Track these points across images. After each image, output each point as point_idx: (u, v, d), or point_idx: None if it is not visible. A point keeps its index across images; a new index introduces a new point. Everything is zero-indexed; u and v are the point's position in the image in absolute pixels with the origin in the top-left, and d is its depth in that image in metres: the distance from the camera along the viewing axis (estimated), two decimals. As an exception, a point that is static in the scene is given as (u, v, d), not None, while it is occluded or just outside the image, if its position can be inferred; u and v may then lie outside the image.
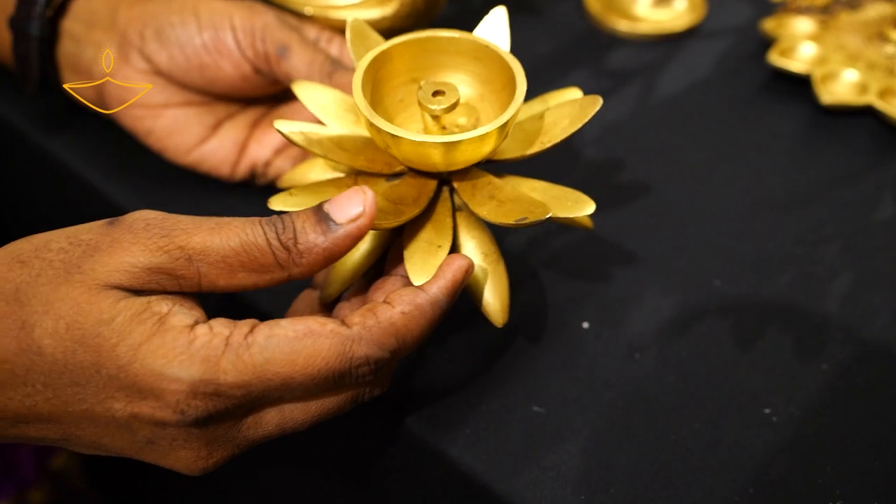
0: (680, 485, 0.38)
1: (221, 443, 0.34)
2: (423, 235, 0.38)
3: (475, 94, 0.41)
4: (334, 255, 0.34)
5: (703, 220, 0.51)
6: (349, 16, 0.52)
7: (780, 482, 0.39)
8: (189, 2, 0.47)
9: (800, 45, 0.60)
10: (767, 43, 0.62)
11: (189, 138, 0.49)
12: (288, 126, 0.39)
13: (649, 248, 0.49)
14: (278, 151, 0.50)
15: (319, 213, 0.34)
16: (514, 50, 0.64)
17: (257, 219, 0.34)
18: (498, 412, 0.41)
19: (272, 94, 0.51)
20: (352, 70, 0.43)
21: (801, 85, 0.59)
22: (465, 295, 0.39)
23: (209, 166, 0.50)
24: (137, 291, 0.33)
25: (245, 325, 0.33)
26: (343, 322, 0.33)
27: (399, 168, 0.40)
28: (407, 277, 0.37)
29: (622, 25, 0.65)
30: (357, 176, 0.40)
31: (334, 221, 0.33)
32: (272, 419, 0.34)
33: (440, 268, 0.36)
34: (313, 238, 0.33)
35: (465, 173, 0.40)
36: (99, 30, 0.48)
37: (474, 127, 0.40)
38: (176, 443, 0.33)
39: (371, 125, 0.37)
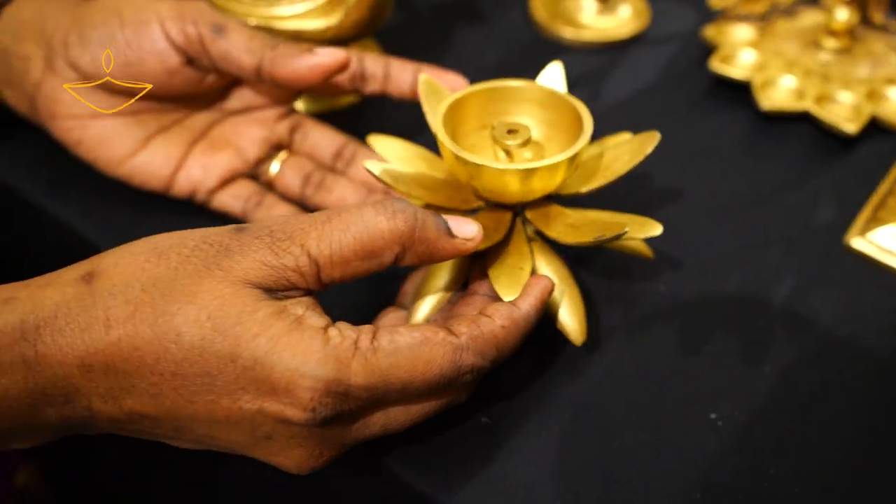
0: (628, 492, 0.39)
1: (333, 443, 0.35)
2: (505, 260, 0.42)
3: (541, 136, 0.45)
4: (444, 256, 0.37)
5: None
6: (294, 26, 0.52)
7: (726, 487, 0.39)
8: (113, 1, 0.47)
9: (740, 52, 0.61)
10: (710, 49, 0.63)
11: (119, 150, 0.48)
12: (375, 166, 0.42)
13: (594, 253, 0.49)
14: (224, 183, 0.49)
15: (439, 219, 0.37)
16: (462, 58, 0.64)
17: (369, 204, 0.36)
18: (445, 423, 0.41)
19: (204, 96, 0.50)
20: (297, 46, 0.47)
21: (742, 91, 0.60)
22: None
23: (141, 180, 0.49)
24: (270, 290, 0.34)
25: (368, 330, 0.35)
26: (451, 331, 0.36)
27: (475, 204, 0.44)
28: (491, 296, 0.41)
29: (568, 33, 0.65)
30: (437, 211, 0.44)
31: (451, 232, 0.37)
32: (378, 420, 0.36)
33: (527, 287, 0.39)
34: (433, 232, 0.36)
35: (537, 205, 0.44)
36: (27, 42, 0.47)
37: None
38: (294, 440, 0.34)
39: (457, 158, 0.40)
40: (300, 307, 0.34)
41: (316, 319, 0.34)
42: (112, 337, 0.32)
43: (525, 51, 0.65)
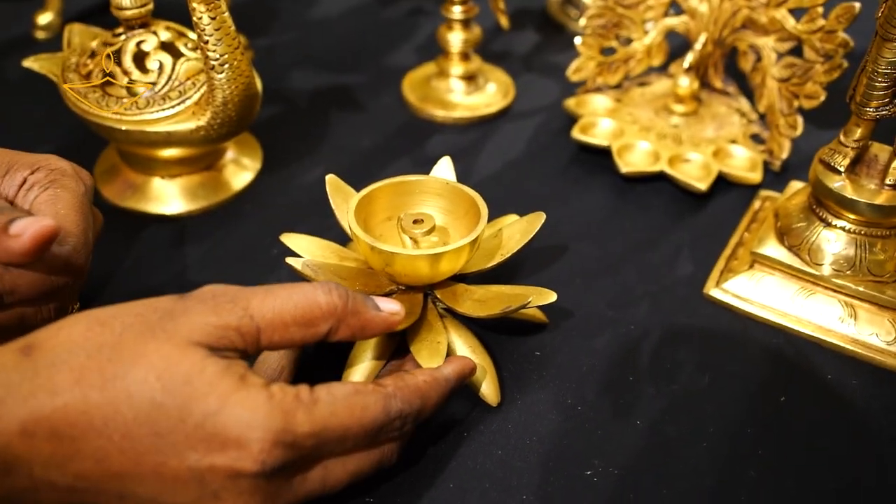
0: (512, 555, 0.40)
1: (277, 496, 0.36)
2: (423, 335, 0.46)
3: (442, 222, 0.50)
4: (373, 329, 0.40)
5: (523, 293, 0.54)
6: (165, 128, 0.54)
7: (604, 539, 0.41)
8: None
9: (599, 121, 0.65)
10: (573, 119, 0.67)
11: None
12: (296, 262, 0.47)
13: (469, 323, 0.51)
14: None
15: (368, 298, 0.40)
16: (339, 144, 0.66)
17: (308, 283, 0.39)
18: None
19: None
20: (38, 218, 0.40)
21: (604, 156, 0.64)
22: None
23: None
24: (214, 349, 0.35)
25: (305, 385, 0.37)
26: (379, 384, 0.39)
27: (389, 288, 0.48)
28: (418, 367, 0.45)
29: (439, 113, 0.69)
30: None
31: (379, 308, 0.41)
32: (318, 474, 0.38)
33: (450, 359, 0.44)
34: (363, 307, 0.40)
35: (444, 285, 0.49)
36: None
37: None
38: (242, 497, 0.35)
39: (371, 249, 0.45)
40: (241, 366, 0.36)
41: (257, 378, 0.36)
42: (58, 402, 0.33)
43: (400, 133, 0.68)
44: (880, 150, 0.50)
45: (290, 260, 0.47)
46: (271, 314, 0.37)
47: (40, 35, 0.79)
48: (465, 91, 0.70)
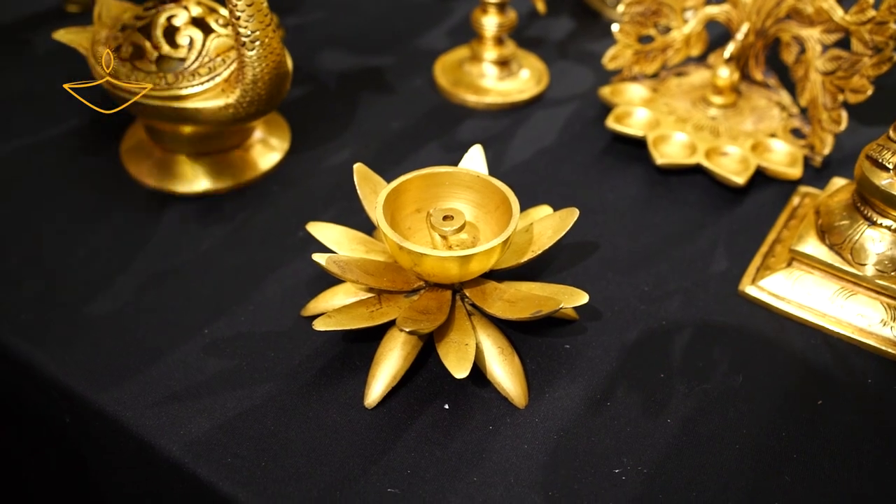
0: (537, 553, 0.39)
1: None
2: (451, 336, 0.45)
3: (472, 217, 0.49)
4: None
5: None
6: (194, 105, 0.53)
7: (632, 540, 0.40)
8: None
9: (634, 111, 0.64)
10: (608, 108, 0.65)
11: None
12: (321, 257, 0.45)
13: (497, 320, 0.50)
14: None
15: None
16: (368, 127, 0.65)
17: None
18: (354, 495, 0.41)
19: None
20: None
21: (638, 146, 0.63)
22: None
23: None
24: None
25: None
26: None
27: (416, 284, 0.47)
28: None
29: (471, 98, 0.67)
30: (381, 294, 0.47)
31: None
32: None
33: None
34: None
35: (474, 283, 0.47)
36: None
37: (474, 243, 0.48)
38: None
39: (400, 248, 0.43)
40: None
41: None
42: None
43: (430, 117, 0.67)
44: (930, 148, 0.48)
45: (316, 256, 0.45)
46: None
47: (72, 9, 0.79)
48: (497, 76, 0.68)
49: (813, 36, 0.60)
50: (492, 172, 0.61)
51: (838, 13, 0.58)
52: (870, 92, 0.57)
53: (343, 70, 0.72)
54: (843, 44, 0.59)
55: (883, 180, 0.47)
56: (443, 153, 0.63)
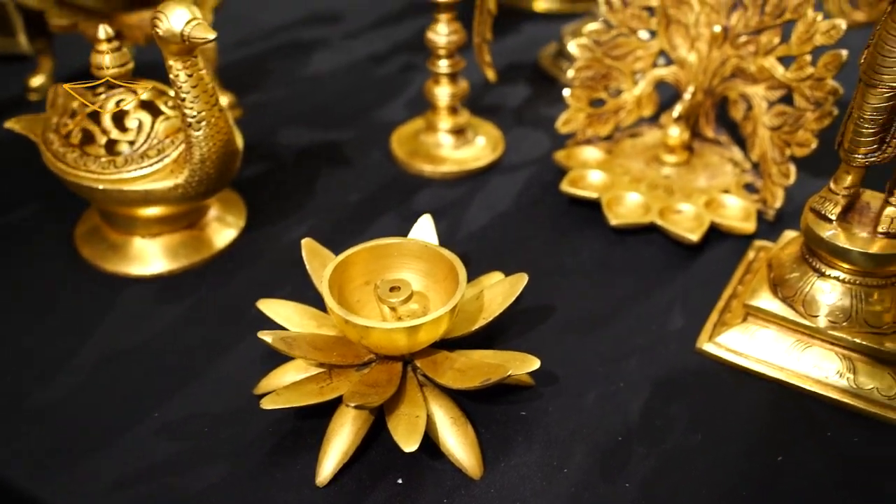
0: None
1: None
2: (401, 409, 0.44)
3: (421, 286, 0.49)
4: None
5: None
6: (142, 187, 0.53)
7: None
8: None
9: (589, 173, 0.64)
10: (564, 172, 0.66)
11: None
12: (268, 335, 0.45)
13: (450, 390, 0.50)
14: None
15: None
16: (326, 201, 0.66)
17: None
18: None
19: None
20: None
21: (594, 208, 0.63)
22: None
23: None
24: None
25: None
26: None
27: (367, 357, 0.47)
28: None
29: (427, 168, 0.68)
30: (332, 369, 0.46)
31: None
32: None
33: None
34: None
35: (425, 353, 0.47)
36: None
37: (424, 313, 0.47)
38: None
39: (346, 322, 0.43)
40: None
41: None
42: None
43: (387, 189, 0.67)
44: (872, 198, 0.49)
45: (262, 334, 0.45)
46: None
47: (33, 97, 0.80)
48: (453, 145, 0.69)
49: (758, 93, 0.61)
50: (448, 240, 0.61)
51: (779, 71, 0.59)
52: (814, 145, 0.58)
53: (303, 145, 0.73)
54: (789, 100, 0.60)
55: (827, 232, 0.47)
56: (400, 223, 0.63)
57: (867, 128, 0.45)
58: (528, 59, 0.87)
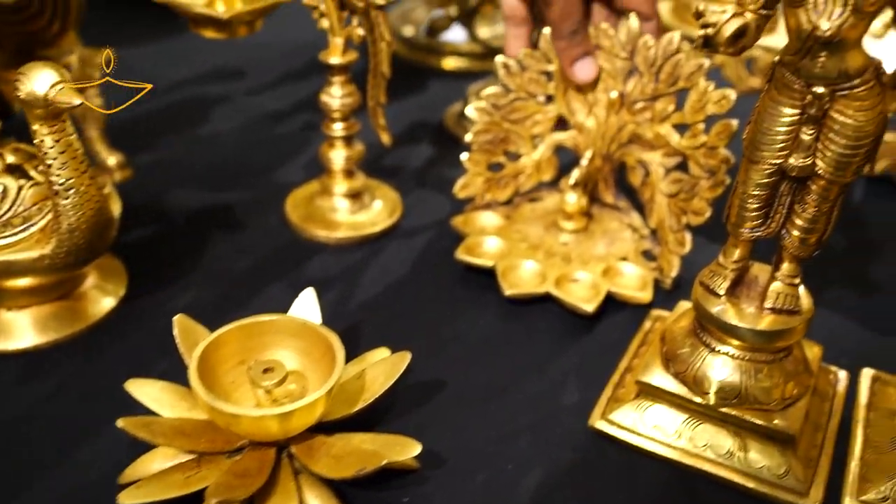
0: None
1: None
2: (271, 501, 0.42)
3: (299, 365, 0.47)
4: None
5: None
6: (6, 257, 0.50)
7: None
8: None
9: (485, 240, 0.63)
10: (462, 237, 0.64)
11: None
12: (127, 422, 0.42)
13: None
14: None
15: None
16: (216, 268, 0.63)
17: None
18: None
19: None
20: None
21: (491, 276, 0.61)
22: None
23: None
24: None
25: None
26: None
27: (240, 443, 0.44)
28: None
29: (322, 233, 0.66)
30: (201, 456, 0.44)
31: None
32: None
33: None
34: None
35: (301, 437, 0.44)
36: None
37: (302, 394, 0.45)
38: None
39: (212, 408, 0.41)
40: None
41: None
42: None
43: (280, 254, 0.65)
44: (760, 271, 0.48)
45: (121, 422, 0.42)
46: None
47: None
48: (349, 209, 0.67)
49: (655, 160, 0.61)
50: (338, 311, 0.59)
51: (675, 138, 0.59)
52: (708, 214, 0.58)
53: (195, 207, 0.70)
54: (685, 167, 0.60)
55: (716, 307, 0.47)
56: (291, 292, 0.60)
57: (752, 203, 0.44)
58: (434, 118, 0.86)
